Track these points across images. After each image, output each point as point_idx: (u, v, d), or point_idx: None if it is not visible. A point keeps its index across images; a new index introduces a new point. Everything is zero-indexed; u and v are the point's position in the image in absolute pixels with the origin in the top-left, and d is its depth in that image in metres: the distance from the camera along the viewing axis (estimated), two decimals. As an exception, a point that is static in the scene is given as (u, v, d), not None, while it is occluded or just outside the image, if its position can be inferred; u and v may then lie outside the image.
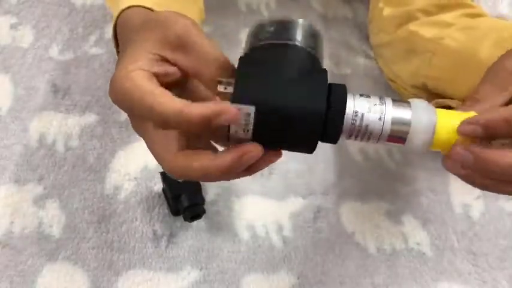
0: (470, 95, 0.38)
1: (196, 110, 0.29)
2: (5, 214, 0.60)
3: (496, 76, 0.38)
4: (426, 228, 0.64)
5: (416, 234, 0.63)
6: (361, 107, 0.33)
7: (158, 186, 0.62)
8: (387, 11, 0.68)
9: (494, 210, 0.65)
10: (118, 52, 0.45)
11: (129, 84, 0.31)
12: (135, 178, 0.63)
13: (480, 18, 0.61)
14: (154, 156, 0.33)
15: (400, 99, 0.34)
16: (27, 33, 0.74)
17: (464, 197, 0.66)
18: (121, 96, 0.32)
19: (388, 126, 0.33)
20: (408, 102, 0.34)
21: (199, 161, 0.31)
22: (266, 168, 0.63)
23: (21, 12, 0.76)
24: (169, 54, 0.33)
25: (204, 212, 0.59)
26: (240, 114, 0.30)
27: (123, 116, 0.67)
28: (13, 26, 0.75)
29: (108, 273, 0.57)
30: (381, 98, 0.34)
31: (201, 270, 0.58)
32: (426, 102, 0.34)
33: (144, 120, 0.33)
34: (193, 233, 0.60)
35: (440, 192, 0.66)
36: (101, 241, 0.59)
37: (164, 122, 0.30)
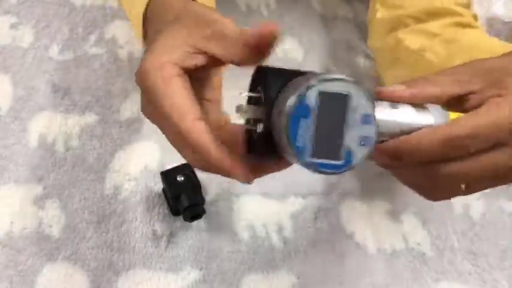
0: (424, 76, 0.37)
1: (215, 155, 0.31)
2: (4, 214, 0.60)
3: (458, 71, 0.36)
4: (426, 228, 0.64)
5: (416, 234, 0.63)
6: (390, 115, 0.32)
7: (158, 186, 0.62)
8: (381, 14, 0.68)
9: (494, 210, 0.65)
10: (144, 32, 0.44)
11: (160, 83, 0.32)
12: (135, 178, 0.63)
13: (465, 31, 0.61)
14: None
15: (418, 104, 0.34)
16: (27, 33, 0.74)
17: (465, 197, 0.65)
18: (148, 90, 0.33)
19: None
20: (426, 107, 0.34)
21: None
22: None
23: (21, 12, 0.76)
24: (203, 46, 0.33)
25: (204, 212, 0.59)
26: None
27: (123, 116, 0.67)
28: (13, 26, 0.75)
29: (108, 273, 0.57)
30: (403, 105, 0.33)
31: (201, 270, 0.58)
32: (440, 106, 0.34)
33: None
34: (193, 233, 0.60)
35: (440, 192, 0.66)
36: (101, 241, 0.59)
37: (183, 141, 0.32)
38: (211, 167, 0.33)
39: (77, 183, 0.62)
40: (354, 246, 0.62)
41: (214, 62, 0.35)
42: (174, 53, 0.33)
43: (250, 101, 0.33)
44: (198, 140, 0.31)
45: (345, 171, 0.29)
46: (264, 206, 0.63)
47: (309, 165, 0.29)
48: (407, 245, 0.62)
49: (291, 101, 0.28)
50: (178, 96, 0.32)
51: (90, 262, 0.58)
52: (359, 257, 0.61)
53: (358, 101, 0.29)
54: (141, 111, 0.35)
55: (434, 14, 0.62)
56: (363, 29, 0.79)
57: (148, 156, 0.65)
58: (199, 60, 0.34)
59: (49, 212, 0.60)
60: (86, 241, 0.59)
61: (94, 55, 0.72)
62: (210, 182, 0.63)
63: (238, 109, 0.31)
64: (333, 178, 0.66)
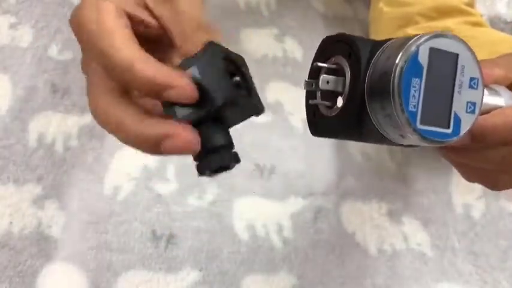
0: (485, 59, 0.35)
1: (149, 70, 0.26)
2: (4, 214, 0.60)
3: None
4: (427, 229, 0.63)
5: (417, 235, 0.63)
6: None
7: (158, 186, 0.62)
8: (387, 12, 0.68)
9: (495, 210, 0.65)
10: None
11: (91, 15, 0.27)
12: (134, 178, 0.63)
13: (479, 28, 0.61)
14: (88, 98, 0.29)
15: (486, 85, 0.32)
16: (26, 32, 0.74)
17: (466, 197, 0.65)
18: (78, 27, 0.28)
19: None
20: (494, 88, 0.32)
21: (122, 117, 0.28)
22: (266, 169, 0.64)
23: (20, 12, 0.76)
24: (151, 3, 0.30)
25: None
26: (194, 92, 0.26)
27: (123, 115, 0.67)
28: (12, 26, 0.74)
29: (107, 273, 0.57)
30: None
31: (200, 270, 0.58)
32: (505, 87, 0.33)
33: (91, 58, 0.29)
34: (193, 234, 0.60)
35: (441, 193, 0.66)
36: (100, 241, 0.59)
37: (108, 69, 0.27)
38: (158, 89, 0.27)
39: (76, 183, 0.62)
40: (354, 246, 0.62)
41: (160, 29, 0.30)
42: None
43: (315, 73, 0.30)
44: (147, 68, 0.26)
45: (451, 141, 0.27)
46: (264, 206, 0.63)
47: (417, 133, 0.26)
48: (407, 246, 0.62)
49: (402, 58, 0.25)
50: (118, 34, 0.27)
51: (89, 263, 0.58)
52: (359, 258, 0.61)
53: (467, 63, 0.27)
54: (82, 69, 0.30)
55: (445, 13, 0.62)
56: (363, 28, 0.78)
57: (148, 156, 0.65)
58: (145, 15, 0.29)
59: (48, 212, 0.60)
60: (85, 241, 0.59)
61: (93, 55, 0.72)
62: (210, 181, 0.63)
63: (312, 84, 0.28)
64: (334, 178, 0.65)
